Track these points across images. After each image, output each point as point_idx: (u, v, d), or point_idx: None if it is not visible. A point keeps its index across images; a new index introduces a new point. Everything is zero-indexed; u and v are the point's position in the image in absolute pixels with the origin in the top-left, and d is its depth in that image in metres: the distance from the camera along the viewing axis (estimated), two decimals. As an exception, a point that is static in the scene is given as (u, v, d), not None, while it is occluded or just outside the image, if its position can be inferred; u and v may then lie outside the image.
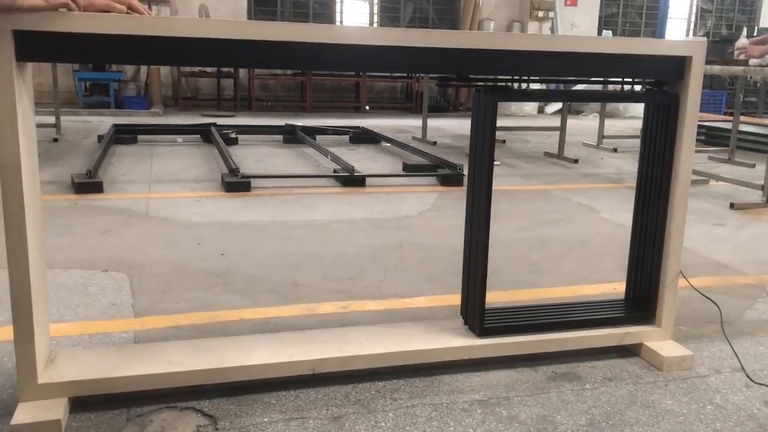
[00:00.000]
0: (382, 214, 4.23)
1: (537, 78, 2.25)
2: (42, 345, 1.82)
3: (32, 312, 1.74)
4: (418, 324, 2.29)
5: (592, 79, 2.21)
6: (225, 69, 10.80)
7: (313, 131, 7.67)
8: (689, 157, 2.16)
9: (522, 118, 10.86)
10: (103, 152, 5.68)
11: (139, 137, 7.06)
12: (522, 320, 2.23)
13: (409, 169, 5.65)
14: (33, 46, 1.62)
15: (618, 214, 4.41)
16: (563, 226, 4.06)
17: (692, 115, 2.14)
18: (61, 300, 2.62)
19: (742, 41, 5.53)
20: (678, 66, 2.12)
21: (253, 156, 6.36)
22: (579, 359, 2.23)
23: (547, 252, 3.51)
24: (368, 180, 5.14)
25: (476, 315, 2.16)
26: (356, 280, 2.97)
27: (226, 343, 2.08)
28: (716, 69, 5.46)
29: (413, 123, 9.33)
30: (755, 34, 11.52)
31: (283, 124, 8.05)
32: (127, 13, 1.75)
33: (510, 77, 2.11)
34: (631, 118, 11.34)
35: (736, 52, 5.27)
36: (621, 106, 11.36)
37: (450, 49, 1.91)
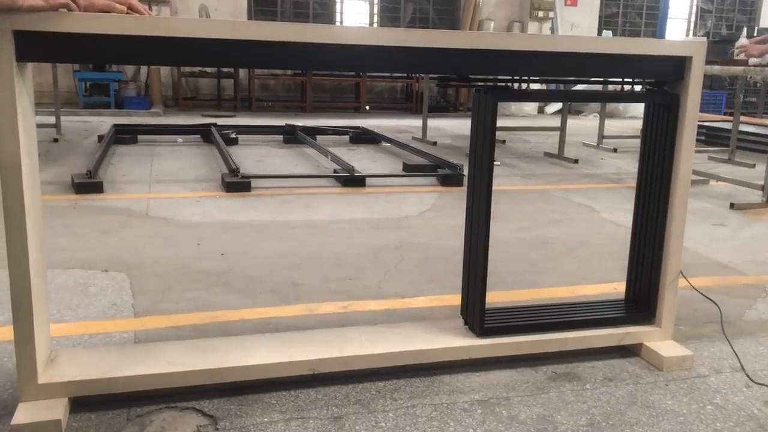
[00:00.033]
0: (382, 214, 4.23)
1: (537, 78, 2.25)
2: (42, 345, 1.82)
3: (32, 312, 1.74)
4: (418, 324, 2.29)
5: (592, 79, 2.21)
6: (225, 69, 10.81)
7: (313, 131, 7.68)
8: (689, 157, 2.16)
9: (522, 118, 10.86)
10: (103, 152, 5.69)
11: (140, 137, 7.07)
12: (522, 320, 2.23)
13: (409, 170, 5.65)
14: (33, 47, 1.62)
15: (618, 214, 4.41)
16: (563, 227, 4.06)
17: (692, 115, 2.14)
18: (62, 300, 2.62)
19: (742, 41, 5.52)
20: (678, 66, 2.12)
21: (254, 156, 6.36)
22: (579, 359, 2.23)
23: (547, 252, 3.51)
24: (368, 180, 5.14)
25: (476, 315, 2.16)
26: (356, 280, 2.97)
27: (226, 343, 2.08)
28: (716, 69, 5.47)
29: (413, 123, 9.33)
30: (755, 34, 11.52)
31: (283, 124, 8.05)
32: (127, 13, 1.75)
33: (510, 77, 2.11)
34: (631, 118, 11.33)
35: (735, 51, 5.27)
36: (621, 106, 11.36)
37: (450, 49, 1.91)
